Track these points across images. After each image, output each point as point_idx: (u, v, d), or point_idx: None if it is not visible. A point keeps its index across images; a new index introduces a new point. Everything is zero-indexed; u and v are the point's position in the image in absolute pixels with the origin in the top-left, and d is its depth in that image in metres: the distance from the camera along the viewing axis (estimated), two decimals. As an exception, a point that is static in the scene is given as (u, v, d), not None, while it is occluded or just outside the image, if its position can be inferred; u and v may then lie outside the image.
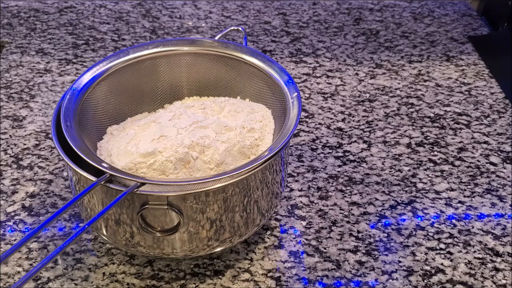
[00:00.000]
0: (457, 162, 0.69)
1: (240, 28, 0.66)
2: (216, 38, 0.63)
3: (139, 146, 0.51)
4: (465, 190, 0.65)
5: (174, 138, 0.52)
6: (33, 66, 0.86)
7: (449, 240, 0.59)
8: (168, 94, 0.63)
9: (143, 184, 0.46)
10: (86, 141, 0.52)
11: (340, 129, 0.74)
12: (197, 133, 0.53)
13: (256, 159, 0.49)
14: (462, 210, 0.63)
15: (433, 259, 0.57)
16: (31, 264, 0.55)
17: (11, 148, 0.70)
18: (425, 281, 0.55)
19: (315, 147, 0.71)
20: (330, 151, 0.70)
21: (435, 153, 0.71)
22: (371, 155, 0.70)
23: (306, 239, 0.59)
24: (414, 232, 0.60)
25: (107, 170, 0.46)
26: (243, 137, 0.54)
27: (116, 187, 0.47)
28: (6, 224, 0.60)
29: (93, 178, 0.47)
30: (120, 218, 0.49)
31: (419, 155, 0.70)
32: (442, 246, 0.58)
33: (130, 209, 0.48)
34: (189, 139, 0.51)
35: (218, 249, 0.52)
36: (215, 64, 0.61)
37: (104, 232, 0.52)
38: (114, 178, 0.47)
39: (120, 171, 0.48)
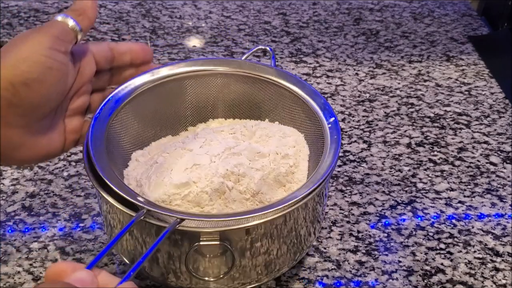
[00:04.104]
0: (457, 162, 0.69)
1: (268, 48, 0.62)
2: (243, 58, 0.60)
3: (171, 176, 0.48)
4: (465, 190, 0.65)
5: (208, 166, 0.49)
6: (33, 66, 0.86)
7: (449, 240, 0.59)
8: (192, 116, 0.59)
9: (183, 220, 0.43)
10: (114, 169, 0.49)
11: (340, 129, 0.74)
12: (231, 161, 0.49)
13: (301, 189, 0.47)
14: (462, 210, 0.63)
15: (433, 259, 0.57)
16: (31, 264, 0.55)
17: (11, 148, 0.70)
18: (425, 281, 0.55)
19: (315, 147, 0.71)
20: (330, 151, 0.70)
21: (435, 153, 0.71)
22: (371, 155, 0.70)
23: (306, 239, 0.59)
24: (414, 232, 0.60)
25: (144, 205, 0.43)
26: (278, 164, 0.51)
27: (155, 222, 0.44)
28: (6, 224, 0.60)
29: (133, 213, 0.45)
30: (165, 257, 0.47)
31: (419, 155, 0.70)
32: (442, 246, 0.58)
33: (177, 248, 0.46)
34: (224, 167, 0.49)
35: (265, 280, 0.50)
36: (242, 85, 0.58)
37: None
38: (151, 213, 0.44)
39: (158, 206, 0.45)
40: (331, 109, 0.53)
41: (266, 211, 0.44)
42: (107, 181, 0.45)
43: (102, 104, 0.50)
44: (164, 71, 0.56)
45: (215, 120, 0.60)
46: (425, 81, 0.84)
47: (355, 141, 0.72)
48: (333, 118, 0.52)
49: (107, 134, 0.50)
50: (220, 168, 0.48)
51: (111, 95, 0.52)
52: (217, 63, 0.58)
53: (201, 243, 0.44)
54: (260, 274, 0.49)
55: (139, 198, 0.44)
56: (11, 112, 0.41)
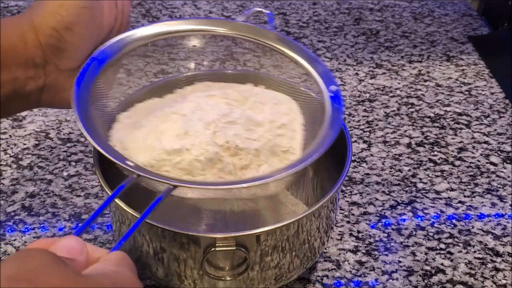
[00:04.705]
0: (457, 162, 0.69)
1: (264, 11, 0.57)
2: (240, 20, 0.56)
3: (161, 141, 0.46)
4: (465, 190, 0.65)
5: (203, 134, 0.46)
6: (33, 66, 0.86)
7: (449, 240, 0.59)
8: (180, 78, 0.56)
9: (176, 186, 0.40)
10: (101, 131, 0.47)
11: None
12: (228, 130, 0.47)
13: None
14: (462, 210, 0.63)
15: (433, 259, 0.57)
16: (31, 264, 0.55)
17: (11, 148, 0.70)
18: (425, 281, 0.55)
19: (315, 147, 0.71)
20: (330, 151, 0.70)
21: (435, 153, 0.71)
22: (371, 155, 0.70)
23: (306, 239, 0.59)
24: (414, 232, 0.60)
25: (134, 170, 0.41)
26: (274, 134, 0.49)
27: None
28: (6, 224, 0.60)
29: (132, 212, 0.44)
30: (180, 260, 0.47)
31: (419, 155, 0.70)
32: (442, 246, 0.58)
33: (191, 253, 0.45)
34: (221, 137, 0.46)
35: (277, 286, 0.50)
36: (237, 49, 0.55)
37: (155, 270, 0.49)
38: (141, 179, 0.42)
39: (149, 172, 0.42)
40: (333, 77, 0.51)
41: (263, 180, 0.43)
42: (95, 145, 0.42)
43: (87, 63, 0.47)
44: (153, 30, 0.53)
45: (201, 84, 0.56)
46: (425, 81, 0.84)
47: (355, 141, 0.72)
48: (335, 87, 0.50)
49: (92, 94, 0.47)
50: (216, 138, 0.46)
51: (96, 53, 0.48)
52: (212, 24, 0.55)
53: (217, 249, 0.44)
54: (272, 279, 0.49)
55: (128, 162, 0.42)
56: (60, 57, 0.44)
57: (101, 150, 0.42)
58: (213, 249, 0.44)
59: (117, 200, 0.45)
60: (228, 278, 0.46)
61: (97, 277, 0.29)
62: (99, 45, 0.47)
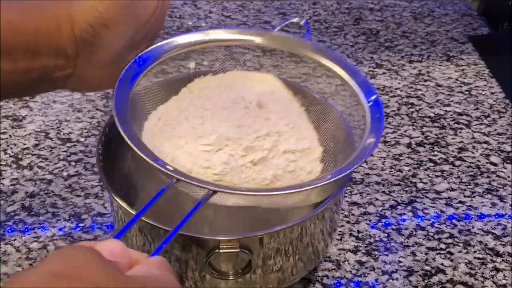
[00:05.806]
0: (457, 162, 0.69)
1: (302, 23, 0.57)
2: (275, 31, 0.56)
3: (208, 159, 0.46)
4: (465, 190, 0.65)
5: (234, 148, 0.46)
6: (33, 66, 0.86)
7: (450, 240, 0.59)
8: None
9: (215, 192, 0.40)
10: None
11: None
12: (277, 160, 0.47)
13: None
14: (462, 210, 0.63)
15: (433, 259, 0.57)
16: (30, 264, 0.55)
17: (11, 148, 0.70)
18: (425, 281, 0.55)
19: (315, 147, 0.71)
20: (330, 151, 0.70)
21: (435, 153, 0.71)
22: (371, 155, 0.70)
23: (306, 239, 0.59)
24: (414, 232, 0.60)
25: (174, 175, 0.41)
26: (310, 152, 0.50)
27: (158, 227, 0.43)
28: (5, 224, 0.60)
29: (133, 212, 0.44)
30: (185, 262, 0.46)
31: (419, 155, 0.70)
32: (443, 246, 0.58)
33: (194, 254, 0.45)
34: (272, 169, 0.46)
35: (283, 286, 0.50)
36: (270, 60, 0.56)
37: None
38: (180, 185, 0.42)
39: (189, 176, 0.42)
40: (372, 87, 0.51)
41: (302, 188, 0.43)
42: (137, 151, 0.42)
43: (126, 67, 0.47)
44: (188, 38, 0.54)
45: (205, 77, 0.55)
46: (425, 81, 0.84)
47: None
48: (374, 96, 0.51)
49: (131, 100, 0.46)
50: (271, 168, 0.46)
51: (135, 59, 0.48)
52: (247, 33, 0.55)
53: (221, 250, 0.44)
54: (275, 282, 0.48)
55: (169, 167, 0.42)
56: (92, 51, 0.43)
57: (146, 158, 0.41)
58: (216, 251, 0.44)
59: (119, 201, 0.45)
60: (231, 278, 0.46)
61: (140, 278, 0.29)
62: (134, 36, 0.46)
